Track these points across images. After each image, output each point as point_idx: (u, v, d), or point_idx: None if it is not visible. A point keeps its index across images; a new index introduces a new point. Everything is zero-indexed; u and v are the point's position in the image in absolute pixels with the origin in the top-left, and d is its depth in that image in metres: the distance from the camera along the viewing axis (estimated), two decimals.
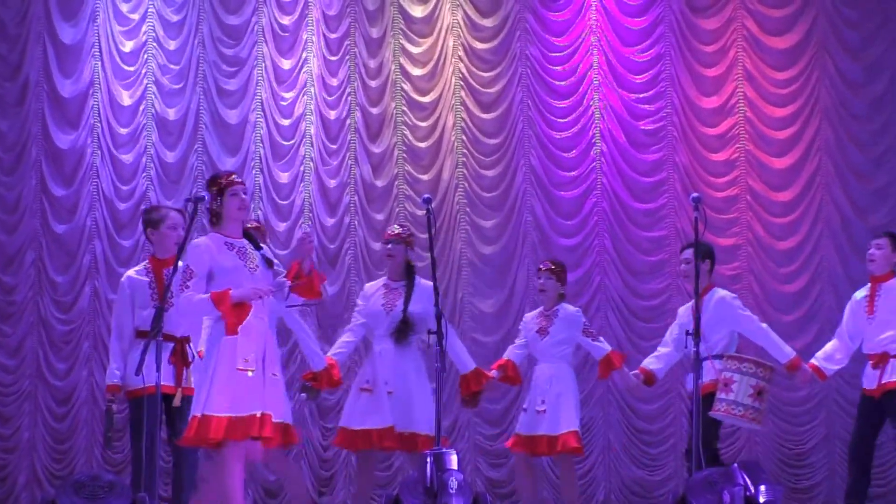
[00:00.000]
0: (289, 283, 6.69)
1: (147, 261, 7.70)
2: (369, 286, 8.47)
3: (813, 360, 8.27)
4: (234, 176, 6.69)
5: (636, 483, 10.70)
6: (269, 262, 6.68)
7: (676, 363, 8.70)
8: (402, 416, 8.01)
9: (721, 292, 8.29)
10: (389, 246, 8.29)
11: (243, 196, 6.66)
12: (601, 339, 8.72)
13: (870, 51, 10.64)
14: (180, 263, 6.60)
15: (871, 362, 8.07)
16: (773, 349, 8.20)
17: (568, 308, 8.62)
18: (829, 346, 8.33)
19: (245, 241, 6.68)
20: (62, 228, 11.73)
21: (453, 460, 6.60)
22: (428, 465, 6.53)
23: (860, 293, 8.24)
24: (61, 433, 11.54)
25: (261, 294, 6.47)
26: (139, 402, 7.07)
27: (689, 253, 8.16)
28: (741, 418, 7.83)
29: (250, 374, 6.42)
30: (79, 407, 11.52)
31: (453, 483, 6.46)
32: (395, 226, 8.61)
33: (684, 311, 8.39)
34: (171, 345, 7.36)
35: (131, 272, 7.66)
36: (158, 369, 6.58)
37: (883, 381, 7.95)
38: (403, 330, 8.14)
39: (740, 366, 7.81)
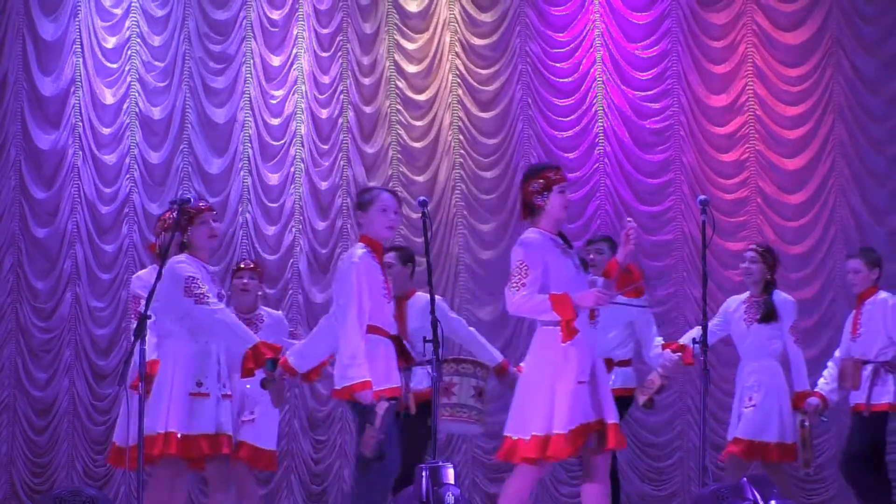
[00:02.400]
0: (613, 283, 6.66)
1: (362, 244, 6.76)
2: None
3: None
4: (562, 171, 6.67)
5: (641, 498, 10.72)
6: (585, 264, 6.66)
7: None
8: None
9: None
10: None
11: (569, 196, 6.69)
12: None
13: (886, 46, 10.65)
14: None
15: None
16: (482, 352, 8.24)
17: (273, 313, 8.65)
18: None
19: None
20: (42, 232, 11.78)
21: (450, 474, 6.61)
22: (423, 479, 6.53)
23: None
24: (41, 446, 11.60)
25: (603, 302, 6.42)
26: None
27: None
28: (465, 421, 8.00)
29: (586, 385, 6.39)
30: (59, 419, 11.56)
31: (450, 498, 6.48)
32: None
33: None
34: (391, 343, 6.68)
35: (362, 251, 6.68)
36: (142, 378, 6.38)
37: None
38: None
39: (458, 367, 7.96)
